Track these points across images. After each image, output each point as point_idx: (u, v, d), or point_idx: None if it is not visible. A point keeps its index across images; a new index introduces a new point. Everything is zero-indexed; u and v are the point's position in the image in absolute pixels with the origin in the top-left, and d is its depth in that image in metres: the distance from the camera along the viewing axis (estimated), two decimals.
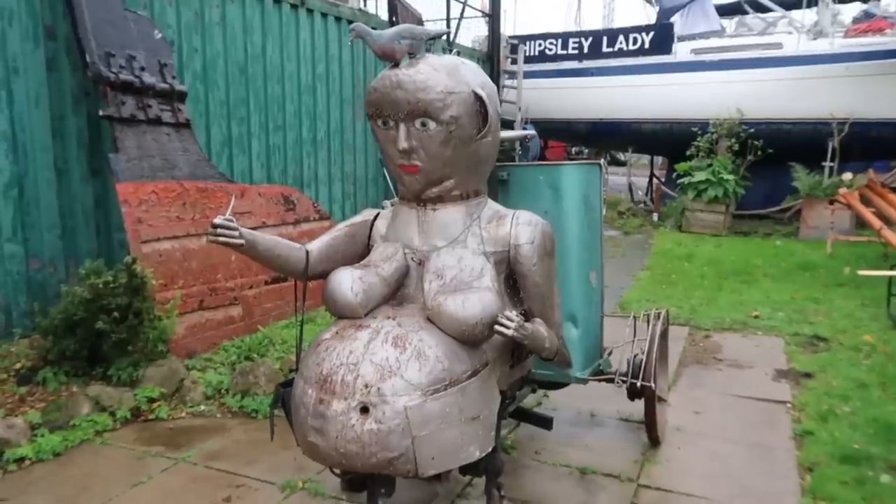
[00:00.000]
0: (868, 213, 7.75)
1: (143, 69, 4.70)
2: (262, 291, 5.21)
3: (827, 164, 10.62)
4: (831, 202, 8.85)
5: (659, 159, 15.53)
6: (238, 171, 6.29)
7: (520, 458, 3.35)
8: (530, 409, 3.28)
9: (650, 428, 3.39)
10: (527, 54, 13.07)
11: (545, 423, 3.10)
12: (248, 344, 4.70)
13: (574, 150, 29.05)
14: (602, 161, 3.46)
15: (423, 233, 2.50)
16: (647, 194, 14.21)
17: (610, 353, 3.59)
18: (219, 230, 2.21)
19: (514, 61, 12.82)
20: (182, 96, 4.98)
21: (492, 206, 2.60)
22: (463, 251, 2.44)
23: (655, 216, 11.98)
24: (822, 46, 10.90)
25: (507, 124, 12.53)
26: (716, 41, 12.22)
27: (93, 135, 4.84)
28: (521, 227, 2.47)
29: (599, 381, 3.39)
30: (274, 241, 2.43)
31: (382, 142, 2.45)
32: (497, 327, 2.19)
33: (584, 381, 3.28)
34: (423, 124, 2.31)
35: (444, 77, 2.30)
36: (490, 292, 2.30)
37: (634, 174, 15.68)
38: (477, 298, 2.25)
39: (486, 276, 2.37)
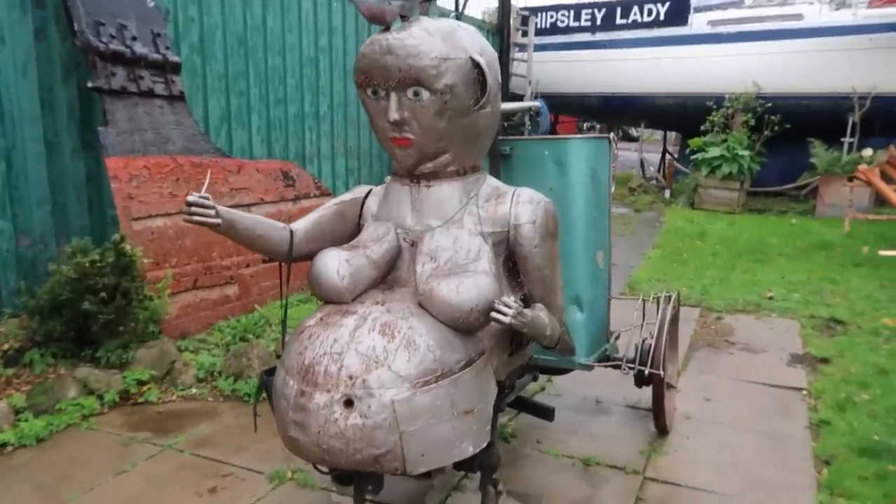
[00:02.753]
0: (888, 191, 7.50)
1: (134, 39, 4.50)
2: (260, 270, 5.07)
3: (847, 139, 10.29)
4: (850, 179, 8.58)
5: (672, 134, 15.21)
6: (237, 146, 6.11)
7: (520, 447, 3.20)
8: (531, 399, 3.12)
9: (658, 416, 3.24)
10: (538, 26, 12.75)
11: (546, 413, 2.94)
12: (243, 324, 4.57)
13: (586, 125, 28.59)
14: (612, 135, 3.26)
15: (417, 211, 2.33)
16: (659, 171, 13.93)
17: (617, 338, 3.43)
18: (193, 209, 2.05)
19: (525, 33, 12.50)
20: (176, 67, 4.78)
21: (491, 182, 2.42)
22: (459, 231, 2.27)
23: (667, 193, 11.73)
24: (844, 17, 10.50)
25: (517, 98, 12.26)
26: (734, 12, 11.83)
27: (84, 107, 4.66)
28: (521, 205, 2.29)
29: (606, 367, 3.23)
30: (255, 219, 2.28)
31: (373, 113, 2.27)
32: (493, 314, 2.03)
33: (590, 368, 3.12)
34: (416, 94, 2.12)
35: (438, 42, 2.11)
36: (487, 276, 2.13)
37: (647, 150, 15.36)
38: (472, 283, 2.08)
39: (482, 259, 2.20)
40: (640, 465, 3.04)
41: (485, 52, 2.22)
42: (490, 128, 2.35)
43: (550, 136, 3.41)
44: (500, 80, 2.34)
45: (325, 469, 2.23)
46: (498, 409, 2.41)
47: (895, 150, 8.82)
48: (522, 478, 2.92)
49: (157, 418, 3.51)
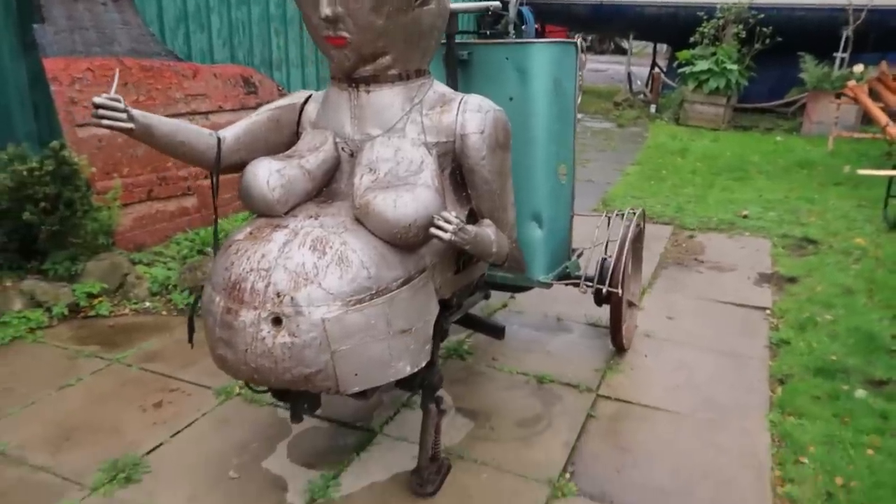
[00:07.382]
0: (875, 108, 7.28)
1: None
2: (221, 181, 4.87)
3: (839, 54, 9.94)
4: (838, 96, 8.33)
5: (663, 47, 14.68)
6: (196, 50, 5.77)
7: (475, 364, 3.16)
8: (482, 317, 3.02)
9: (615, 335, 3.18)
10: None
11: (496, 332, 2.86)
12: (202, 237, 4.43)
13: (577, 36, 27.53)
14: (579, 40, 3.04)
15: (356, 119, 2.17)
16: (647, 85, 13.53)
17: (580, 255, 3.33)
18: (100, 111, 1.87)
19: None
20: None
21: (438, 88, 2.24)
22: (400, 141, 2.11)
23: (653, 108, 11.43)
24: None
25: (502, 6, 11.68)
26: None
27: (22, 3, 4.32)
28: (468, 114, 2.13)
29: (567, 284, 3.14)
30: (176, 125, 2.10)
31: (303, 7, 2.06)
32: (432, 230, 1.91)
33: (548, 286, 3.03)
34: None
35: None
36: (428, 189, 1.99)
37: (638, 63, 14.87)
38: (411, 197, 1.94)
39: (425, 171, 2.05)
40: (594, 383, 3.01)
41: None
42: (435, 27, 2.15)
43: (511, 41, 3.17)
44: None
45: (257, 388, 2.16)
46: (441, 327, 2.34)
47: (886, 66, 8.56)
48: (474, 395, 2.89)
49: (107, 332, 3.43)
